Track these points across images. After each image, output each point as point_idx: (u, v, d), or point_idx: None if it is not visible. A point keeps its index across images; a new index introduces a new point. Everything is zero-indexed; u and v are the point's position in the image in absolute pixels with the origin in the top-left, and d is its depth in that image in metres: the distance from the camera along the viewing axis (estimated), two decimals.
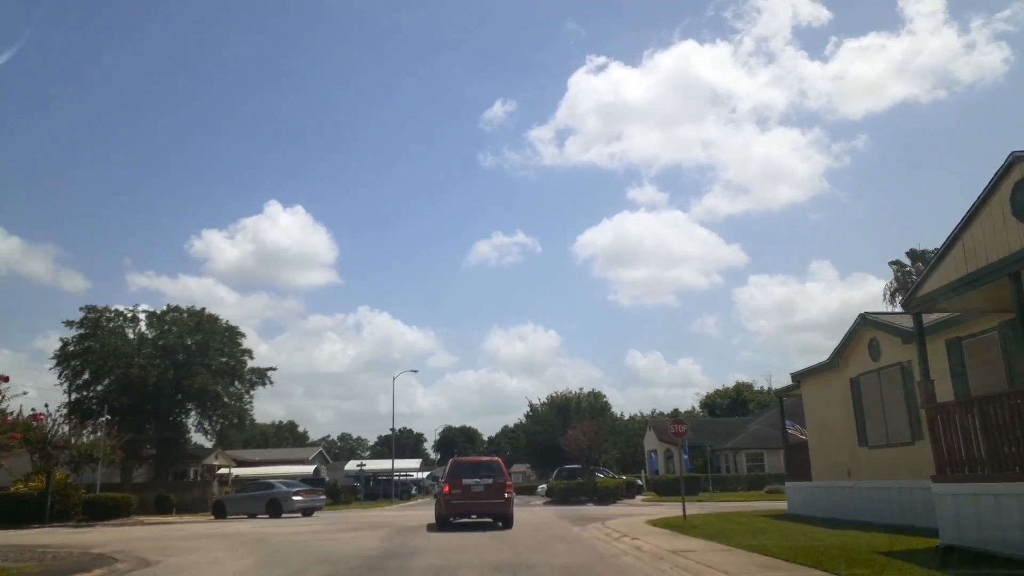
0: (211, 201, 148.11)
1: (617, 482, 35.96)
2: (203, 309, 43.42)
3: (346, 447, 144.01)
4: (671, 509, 24.55)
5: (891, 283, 43.91)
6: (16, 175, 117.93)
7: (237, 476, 53.68)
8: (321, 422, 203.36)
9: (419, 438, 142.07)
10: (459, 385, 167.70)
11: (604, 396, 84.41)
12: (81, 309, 40.84)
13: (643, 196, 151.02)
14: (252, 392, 45.76)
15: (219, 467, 49.62)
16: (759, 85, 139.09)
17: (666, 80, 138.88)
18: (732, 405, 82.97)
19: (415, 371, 62.40)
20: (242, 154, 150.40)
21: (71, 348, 40.08)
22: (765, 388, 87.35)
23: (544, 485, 56.16)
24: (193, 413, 44.08)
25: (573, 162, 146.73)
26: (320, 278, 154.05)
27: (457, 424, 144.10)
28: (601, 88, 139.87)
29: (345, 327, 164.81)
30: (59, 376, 39.86)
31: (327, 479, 56.86)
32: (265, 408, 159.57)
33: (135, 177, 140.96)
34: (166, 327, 42.05)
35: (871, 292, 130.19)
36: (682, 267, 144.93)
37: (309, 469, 56.31)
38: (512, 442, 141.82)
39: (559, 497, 36.72)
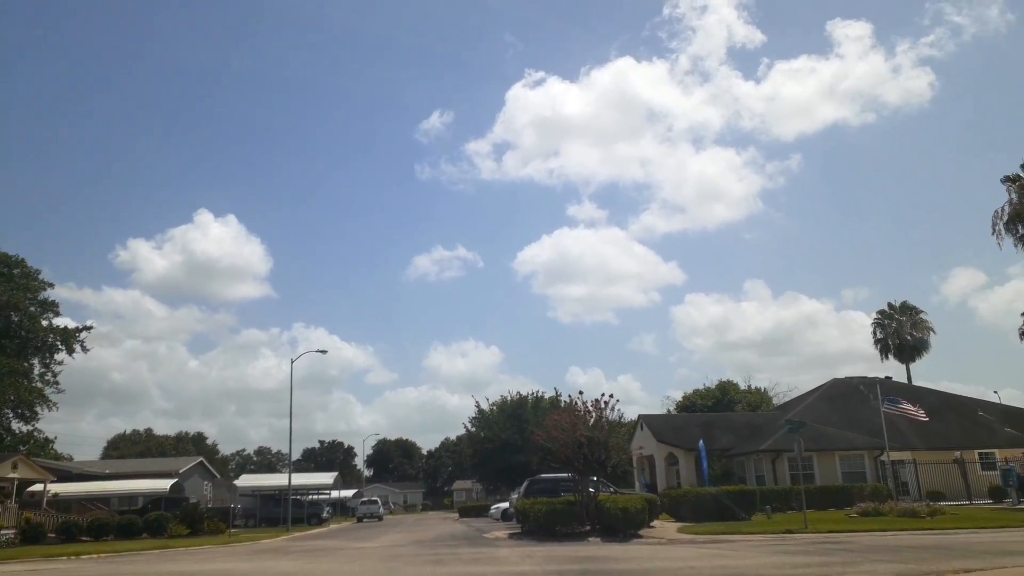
0: (137, 209, 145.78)
1: (637, 501, 21.42)
2: None
3: (264, 462, 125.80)
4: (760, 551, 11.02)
5: (1005, 207, 31.33)
6: None
7: (56, 494, 37.08)
8: (255, 440, 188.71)
9: (349, 452, 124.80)
10: (399, 403, 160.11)
11: (562, 397, 70.03)
12: None
13: (582, 213, 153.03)
14: (55, 363, 29.58)
15: (13, 481, 33.06)
16: (695, 104, 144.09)
17: (604, 96, 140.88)
18: (716, 407, 69.48)
19: (324, 351, 48.06)
20: (170, 159, 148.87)
21: None
22: (754, 387, 75.23)
23: (501, 506, 41.13)
24: None
25: (511, 177, 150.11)
26: (254, 291, 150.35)
27: (393, 438, 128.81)
28: (539, 102, 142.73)
29: (280, 343, 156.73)
30: None
31: (191, 498, 40.70)
32: (191, 424, 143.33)
33: (55, 182, 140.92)
34: None
35: (803, 311, 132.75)
36: (621, 284, 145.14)
37: (166, 485, 39.94)
38: (454, 456, 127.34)
39: (536, 525, 21.98)
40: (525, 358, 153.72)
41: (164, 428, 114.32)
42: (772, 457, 34.22)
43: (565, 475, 28.69)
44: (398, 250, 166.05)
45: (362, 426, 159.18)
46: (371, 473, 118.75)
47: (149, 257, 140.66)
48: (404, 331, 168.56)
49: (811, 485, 30.54)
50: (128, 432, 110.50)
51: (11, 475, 32.39)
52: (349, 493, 79.90)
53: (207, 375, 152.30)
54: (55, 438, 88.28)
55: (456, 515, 59.23)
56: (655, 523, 24.43)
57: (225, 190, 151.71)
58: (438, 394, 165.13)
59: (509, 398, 66.02)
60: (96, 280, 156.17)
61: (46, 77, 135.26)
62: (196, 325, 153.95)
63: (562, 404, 63.79)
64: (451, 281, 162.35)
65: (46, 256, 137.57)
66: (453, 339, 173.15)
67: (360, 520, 58.37)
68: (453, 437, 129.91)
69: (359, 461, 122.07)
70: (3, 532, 29.66)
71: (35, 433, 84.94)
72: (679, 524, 24.78)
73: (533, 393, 66.70)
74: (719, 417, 47.90)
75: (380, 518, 59.74)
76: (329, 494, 59.64)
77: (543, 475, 30.37)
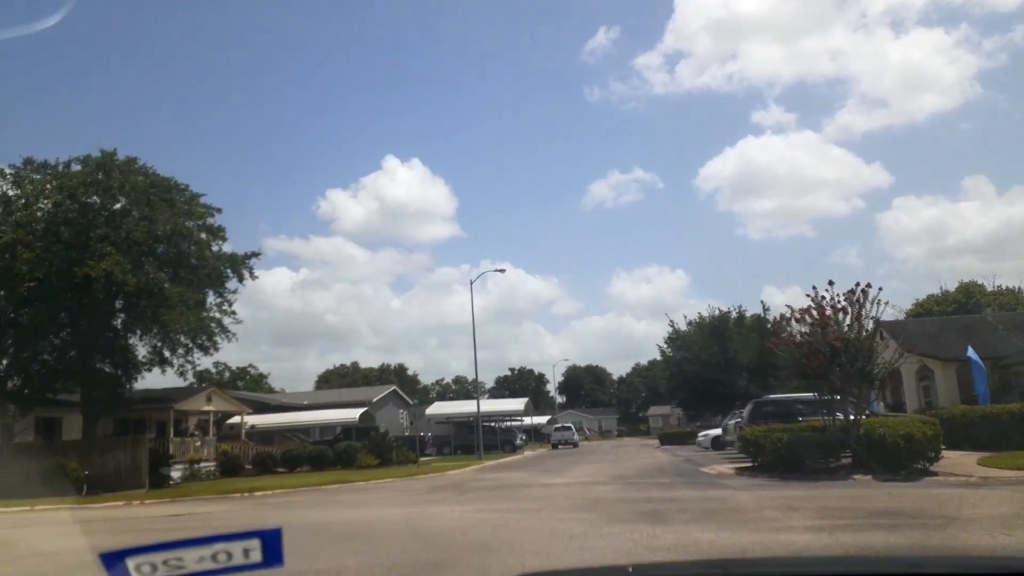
0: (332, 161, 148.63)
1: (922, 425, 15.45)
2: (113, 151, 26.15)
3: (462, 390, 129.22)
4: None
5: None
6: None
7: (254, 426, 37.34)
8: (455, 371, 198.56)
9: (540, 379, 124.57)
10: (585, 331, 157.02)
11: (770, 312, 62.11)
12: None
13: (768, 118, 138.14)
14: (229, 293, 28.35)
15: (212, 414, 33.18)
16: None
17: None
18: (958, 313, 58.21)
19: (502, 270, 45.47)
20: (355, 111, 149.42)
21: None
22: (1006, 287, 62.69)
23: (711, 433, 36.07)
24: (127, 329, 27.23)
25: (686, 88, 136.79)
26: (443, 231, 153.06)
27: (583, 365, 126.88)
28: (711, 3, 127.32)
29: (470, 279, 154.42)
30: None
31: (380, 427, 39.62)
32: (400, 358, 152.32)
33: (262, 141, 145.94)
34: (48, 185, 24.89)
35: None
36: (817, 193, 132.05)
37: (356, 414, 39.07)
38: (647, 381, 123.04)
39: (775, 458, 16.75)
40: (713, 280, 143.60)
41: (374, 362, 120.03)
42: None
43: (799, 395, 23.07)
44: (574, 178, 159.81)
45: (552, 355, 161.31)
46: (563, 400, 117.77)
47: (346, 206, 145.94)
48: (586, 260, 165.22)
49: None
50: (337, 366, 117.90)
51: (206, 407, 32.44)
52: (543, 420, 78.47)
53: (409, 312, 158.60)
54: (268, 374, 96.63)
55: (656, 443, 54.91)
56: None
57: (407, 135, 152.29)
58: (624, 321, 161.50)
59: (708, 316, 59.77)
60: (304, 231, 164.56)
61: (240, 50, 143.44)
62: (395, 266, 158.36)
63: (770, 319, 57.00)
64: (630, 205, 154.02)
65: (261, 212, 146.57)
66: (636, 265, 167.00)
67: (555, 447, 56.07)
68: (644, 362, 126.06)
69: (551, 388, 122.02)
70: (204, 464, 29.63)
71: (249, 369, 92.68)
72: (969, 455, 18.32)
73: (735, 308, 59.74)
74: (979, 320, 38.67)
75: (575, 444, 57.12)
76: (521, 420, 57.62)
77: (771, 396, 24.79)
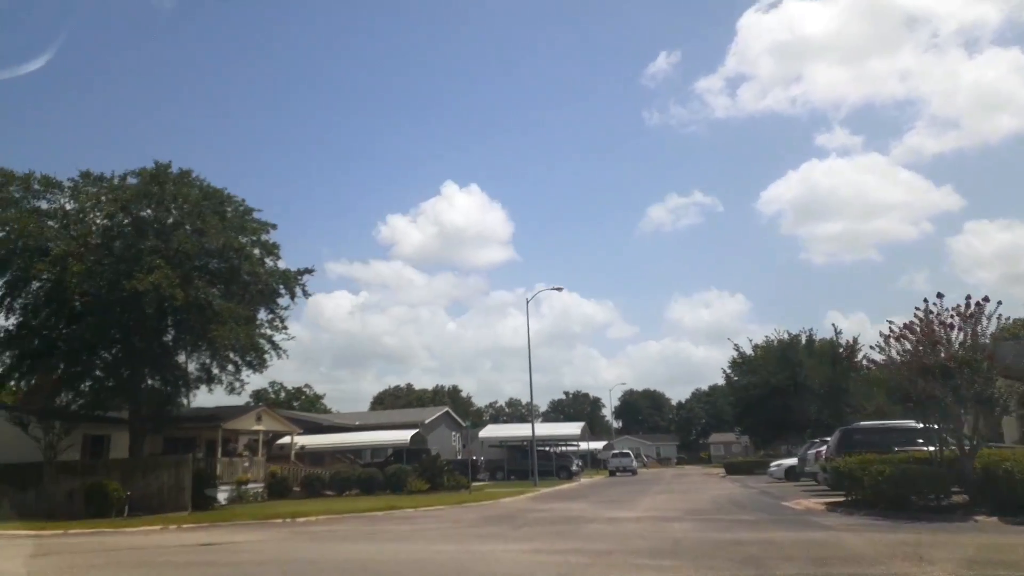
0: (392, 187, 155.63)
1: None
2: (168, 164, 25.55)
3: (515, 413, 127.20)
4: None
5: None
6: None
7: (303, 447, 36.44)
8: (508, 394, 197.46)
9: (595, 403, 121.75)
10: (642, 356, 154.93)
11: (842, 335, 58.70)
12: None
13: (833, 141, 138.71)
14: (280, 309, 27.53)
15: (261, 434, 32.36)
16: (964, 1, 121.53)
17: (851, 7, 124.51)
18: None
19: (560, 288, 43.98)
20: (415, 139, 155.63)
21: None
22: None
23: (785, 463, 33.58)
24: (180, 347, 26.55)
25: (748, 111, 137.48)
26: (499, 255, 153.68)
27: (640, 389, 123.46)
28: (775, 26, 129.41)
29: (524, 302, 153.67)
30: None
31: (432, 450, 38.25)
32: (453, 380, 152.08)
33: (326, 169, 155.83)
34: (103, 197, 24.31)
35: None
36: (884, 217, 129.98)
37: (407, 436, 37.75)
38: (707, 407, 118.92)
39: (874, 493, 14.67)
40: (775, 305, 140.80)
41: (429, 384, 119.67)
42: None
43: (892, 423, 20.78)
44: (631, 201, 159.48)
45: (607, 379, 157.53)
46: (619, 425, 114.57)
47: (406, 230, 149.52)
48: (642, 284, 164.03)
49: None
50: (391, 387, 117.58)
51: (256, 427, 31.64)
52: (599, 445, 75.93)
53: (464, 335, 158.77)
54: (324, 394, 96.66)
55: (720, 472, 52.09)
56: None
57: (467, 160, 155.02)
58: (682, 346, 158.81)
59: (775, 340, 56.87)
60: (364, 255, 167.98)
61: (305, 74, 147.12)
62: (452, 290, 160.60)
63: (842, 344, 53.81)
64: (689, 229, 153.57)
65: (324, 237, 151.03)
66: (694, 289, 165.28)
67: (612, 474, 53.85)
68: (705, 387, 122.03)
69: (606, 412, 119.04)
70: (252, 485, 28.74)
71: (305, 389, 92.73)
72: None
73: (805, 331, 56.77)
74: None
75: (634, 472, 54.77)
76: (577, 445, 55.54)
77: (862, 423, 22.48)
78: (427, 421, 48.07)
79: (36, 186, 23.95)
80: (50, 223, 23.75)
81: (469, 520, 16.79)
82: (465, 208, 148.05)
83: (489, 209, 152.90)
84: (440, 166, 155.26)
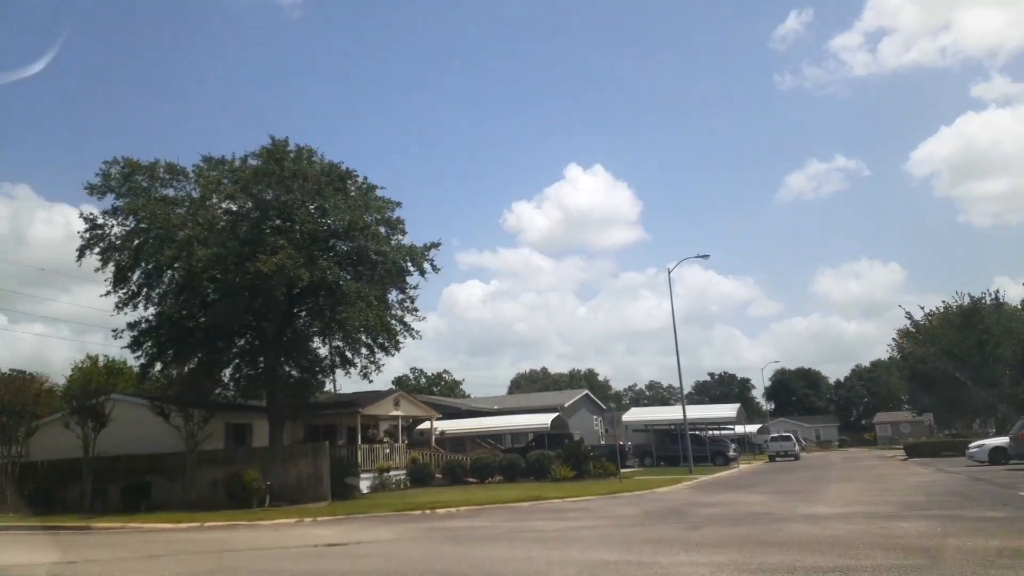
0: (517, 174, 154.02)
1: None
2: (285, 140, 24.57)
3: (656, 396, 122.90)
4: None
5: None
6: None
7: (443, 432, 35.34)
8: (644, 377, 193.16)
9: (744, 384, 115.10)
10: (788, 334, 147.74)
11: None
12: (105, 163, 23.90)
13: (991, 91, 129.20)
14: (411, 289, 26.22)
15: (400, 419, 31.43)
16: None
17: None
18: None
19: (706, 256, 40.41)
20: (537, 123, 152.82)
21: (111, 233, 23.73)
22: None
23: (989, 443, 28.57)
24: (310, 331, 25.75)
25: (892, 67, 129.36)
26: (627, 235, 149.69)
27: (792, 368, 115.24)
28: None
29: (657, 282, 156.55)
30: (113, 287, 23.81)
31: (575, 434, 36.01)
32: (587, 363, 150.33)
33: (454, 161, 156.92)
34: (224, 180, 23.65)
35: None
36: None
37: (547, 420, 35.70)
38: (869, 384, 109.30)
39: None
40: (933, 273, 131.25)
41: (563, 369, 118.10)
42: None
43: None
44: (766, 171, 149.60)
45: (750, 360, 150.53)
46: (771, 407, 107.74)
47: (532, 217, 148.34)
48: (784, 258, 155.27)
49: None
50: (527, 371, 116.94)
51: (394, 412, 30.70)
52: (753, 428, 71.10)
53: (595, 319, 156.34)
54: (463, 380, 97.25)
55: (898, 455, 46.40)
56: None
57: (589, 141, 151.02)
58: (831, 322, 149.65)
59: (955, 306, 50.23)
60: (492, 244, 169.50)
61: (415, 69, 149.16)
62: (580, 274, 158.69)
63: None
64: (832, 196, 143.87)
65: (453, 229, 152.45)
66: (842, 260, 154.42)
67: (772, 459, 49.56)
68: (866, 364, 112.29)
69: (756, 393, 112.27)
70: (393, 472, 27.78)
71: (444, 375, 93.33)
72: None
73: (989, 293, 49.85)
74: None
75: (796, 456, 50.18)
76: (732, 429, 51.52)
77: None
78: (567, 404, 45.94)
79: (163, 174, 23.72)
80: (178, 211, 23.42)
81: (629, 517, 14.30)
82: (590, 190, 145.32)
83: (615, 189, 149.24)
84: (564, 149, 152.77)
